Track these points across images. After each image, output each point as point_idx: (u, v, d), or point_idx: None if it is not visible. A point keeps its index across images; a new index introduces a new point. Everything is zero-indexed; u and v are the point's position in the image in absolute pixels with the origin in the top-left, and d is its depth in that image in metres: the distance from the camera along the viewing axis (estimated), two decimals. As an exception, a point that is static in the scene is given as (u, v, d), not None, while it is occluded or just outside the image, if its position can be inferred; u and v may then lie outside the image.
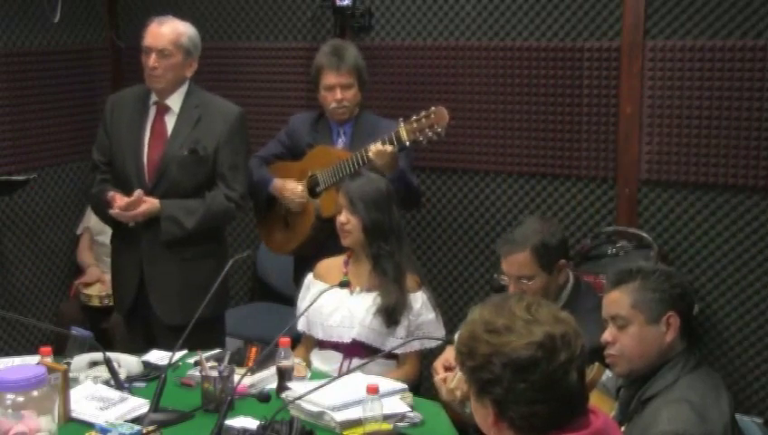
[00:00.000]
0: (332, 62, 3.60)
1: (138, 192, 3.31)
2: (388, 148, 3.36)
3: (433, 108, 3.35)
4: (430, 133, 3.33)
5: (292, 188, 3.68)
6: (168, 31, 3.38)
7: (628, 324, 2.30)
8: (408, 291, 3.11)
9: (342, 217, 3.14)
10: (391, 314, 3.05)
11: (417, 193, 3.78)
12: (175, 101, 3.43)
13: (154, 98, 3.44)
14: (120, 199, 3.34)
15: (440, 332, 3.14)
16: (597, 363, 2.50)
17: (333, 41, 3.90)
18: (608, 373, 2.58)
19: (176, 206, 3.38)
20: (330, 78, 3.60)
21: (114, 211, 3.35)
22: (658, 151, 3.78)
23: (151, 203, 3.34)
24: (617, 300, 2.33)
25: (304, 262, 3.57)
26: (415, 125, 3.35)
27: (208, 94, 3.53)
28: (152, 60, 3.34)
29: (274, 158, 3.83)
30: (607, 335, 2.35)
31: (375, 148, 3.37)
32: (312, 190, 3.67)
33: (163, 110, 3.44)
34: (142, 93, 3.49)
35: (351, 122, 3.69)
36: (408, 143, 3.37)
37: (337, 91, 3.60)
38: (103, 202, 3.40)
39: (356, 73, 3.62)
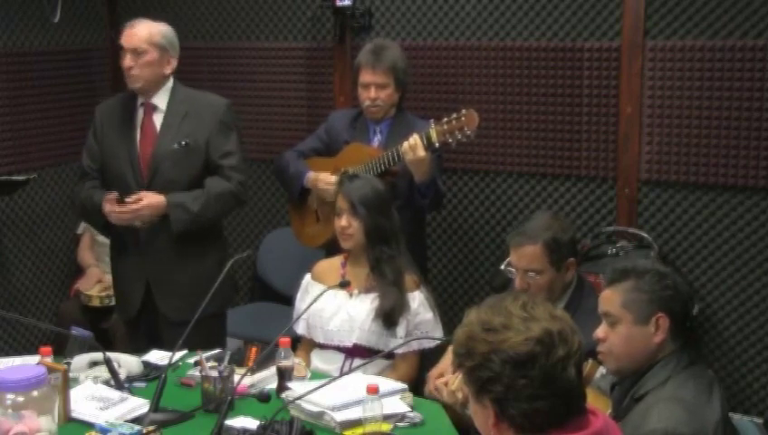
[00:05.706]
0: (369, 61, 3.61)
1: (137, 194, 3.31)
2: (419, 143, 3.34)
3: (464, 110, 3.35)
4: (459, 135, 3.34)
5: (325, 178, 3.67)
6: (140, 30, 3.41)
7: (617, 323, 2.32)
8: (406, 290, 3.10)
9: (343, 222, 3.12)
10: (390, 316, 3.04)
11: (442, 196, 3.78)
12: (161, 99, 3.46)
13: (141, 99, 3.47)
14: (110, 197, 3.32)
15: (438, 332, 3.14)
16: (591, 360, 2.51)
17: (377, 39, 3.94)
18: (602, 370, 2.59)
19: (179, 194, 3.37)
20: (366, 76, 3.63)
21: (113, 211, 3.33)
22: (658, 151, 3.79)
23: (153, 196, 3.33)
24: (609, 298, 2.35)
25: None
26: (445, 127, 3.35)
27: (193, 90, 3.55)
28: (127, 60, 3.38)
29: (312, 152, 3.85)
30: (599, 332, 2.37)
31: (406, 144, 3.38)
32: None
33: (150, 109, 3.46)
34: (129, 98, 3.52)
35: (388, 121, 3.70)
36: (437, 144, 3.37)
37: (371, 89, 3.61)
38: (97, 205, 3.39)
39: (393, 74, 3.62)
